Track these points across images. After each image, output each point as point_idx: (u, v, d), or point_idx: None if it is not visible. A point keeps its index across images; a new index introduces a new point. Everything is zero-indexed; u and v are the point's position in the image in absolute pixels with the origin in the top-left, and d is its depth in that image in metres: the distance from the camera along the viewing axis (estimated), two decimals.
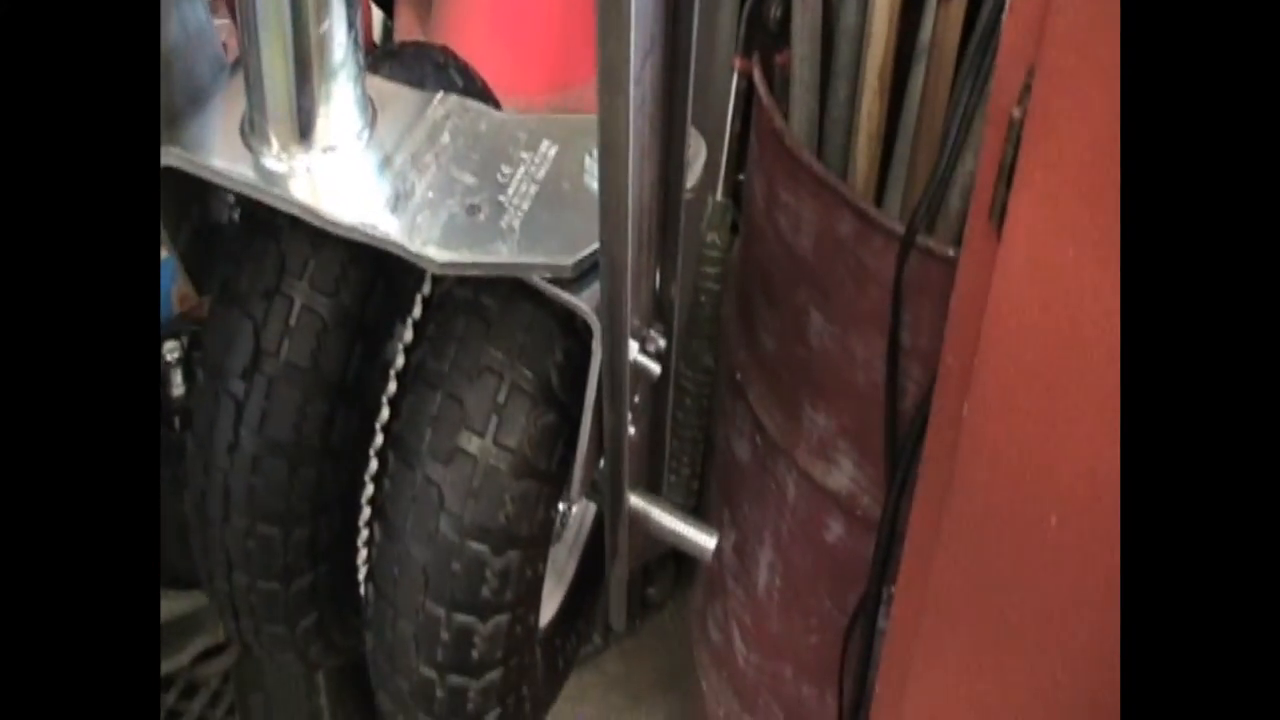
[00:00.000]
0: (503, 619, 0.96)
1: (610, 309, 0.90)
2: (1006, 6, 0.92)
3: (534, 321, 0.95)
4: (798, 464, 1.36)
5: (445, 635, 0.95)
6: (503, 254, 0.92)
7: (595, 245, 0.90)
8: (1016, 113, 0.91)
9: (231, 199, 1.01)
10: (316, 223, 0.92)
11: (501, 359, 0.94)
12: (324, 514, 0.99)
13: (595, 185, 0.89)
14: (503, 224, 0.93)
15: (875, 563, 1.25)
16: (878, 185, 1.40)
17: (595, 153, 0.88)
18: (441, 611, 0.94)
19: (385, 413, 0.99)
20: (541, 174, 0.97)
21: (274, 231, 0.95)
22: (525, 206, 0.95)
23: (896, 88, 1.38)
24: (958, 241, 1.26)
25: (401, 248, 0.92)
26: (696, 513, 1.57)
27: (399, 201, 0.93)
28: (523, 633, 0.99)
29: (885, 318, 1.22)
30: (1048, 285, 0.91)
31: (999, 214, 0.94)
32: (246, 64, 0.91)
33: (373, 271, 0.98)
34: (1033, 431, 0.95)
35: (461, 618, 0.95)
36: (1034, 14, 0.89)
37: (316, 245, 0.94)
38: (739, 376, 1.43)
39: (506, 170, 0.97)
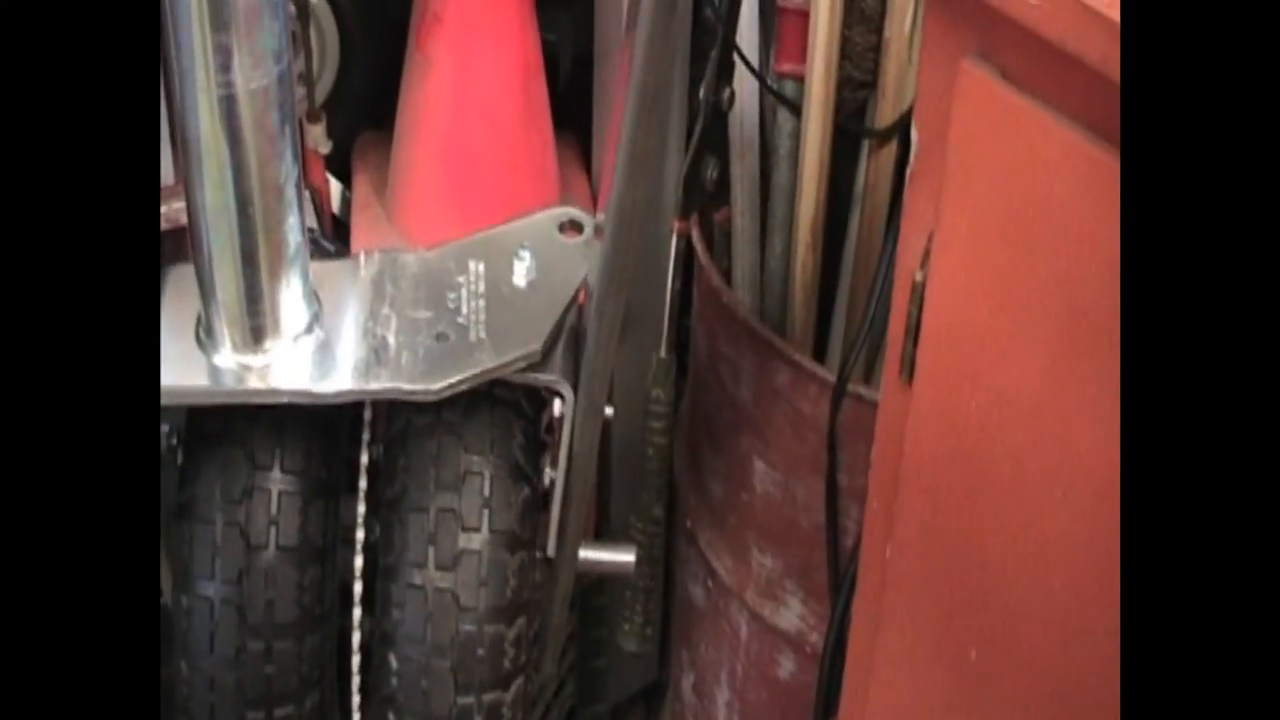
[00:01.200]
0: (522, 680, 1.08)
1: (590, 378, 1.05)
2: (909, 174, 1.00)
3: (493, 419, 1.08)
4: (748, 605, 1.42)
5: (478, 718, 1.06)
6: (484, 363, 1.05)
7: (550, 328, 1.06)
8: (918, 276, 0.99)
9: (167, 427, 1.09)
10: (313, 401, 1.02)
11: (478, 460, 1.07)
12: (324, 675, 1.08)
13: (524, 283, 1.09)
14: (472, 339, 1.06)
15: (818, 699, 1.31)
16: (820, 332, 1.48)
17: (519, 255, 1.09)
18: (472, 699, 1.06)
19: (359, 560, 1.08)
20: (481, 288, 1.09)
21: (233, 435, 1.03)
22: (482, 319, 1.07)
23: (834, 236, 1.46)
24: None
25: (402, 391, 1.03)
26: (658, 656, 1.65)
27: (380, 355, 1.04)
28: (533, 686, 1.12)
29: (823, 461, 1.30)
30: (955, 434, 0.99)
31: (909, 368, 1.01)
32: (201, 274, 0.99)
33: (323, 434, 1.07)
34: (950, 571, 1.02)
35: (490, 696, 1.06)
36: (932, 182, 0.97)
37: (279, 432, 1.03)
38: (689, 523, 1.50)
39: (452, 296, 1.09)
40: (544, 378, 1.05)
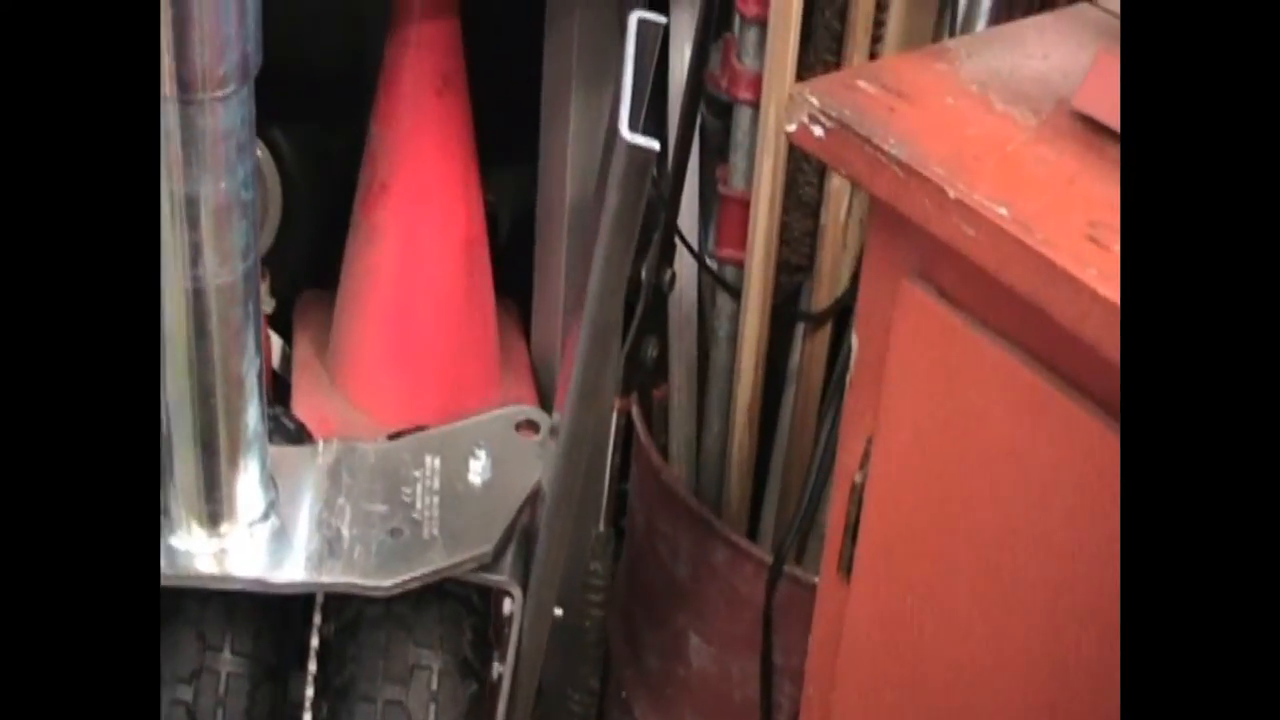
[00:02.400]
0: None
1: (540, 580, 1.08)
2: (848, 379, 1.05)
3: (443, 613, 1.11)
4: None
5: None
6: (436, 562, 1.08)
7: (502, 529, 1.08)
8: (858, 478, 1.04)
9: None
10: (266, 590, 1.05)
11: (427, 654, 1.10)
12: None
13: (480, 480, 1.11)
14: (425, 536, 1.09)
15: None
16: (753, 507, 1.51)
17: (475, 454, 1.12)
18: None
19: None
20: (436, 484, 1.12)
21: (184, 614, 1.06)
22: (435, 515, 1.11)
23: (767, 413, 1.50)
24: None
25: (355, 586, 1.06)
26: None
27: (334, 547, 1.08)
28: None
29: (758, 639, 1.33)
30: (892, 632, 1.03)
31: (847, 566, 1.05)
32: (160, 457, 1.02)
33: (274, 618, 1.10)
34: None
35: None
36: (872, 389, 1.02)
37: (231, 614, 1.06)
38: (625, 694, 1.52)
39: (407, 491, 1.12)
40: (494, 578, 1.08)
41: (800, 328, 1.49)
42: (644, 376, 1.50)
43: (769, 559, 1.31)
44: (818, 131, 0.95)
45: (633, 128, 0.84)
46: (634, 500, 1.52)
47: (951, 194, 0.88)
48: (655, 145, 0.85)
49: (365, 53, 1.76)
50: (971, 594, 0.98)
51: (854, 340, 1.04)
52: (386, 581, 1.05)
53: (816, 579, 1.29)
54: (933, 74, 0.99)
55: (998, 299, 0.90)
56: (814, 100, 0.95)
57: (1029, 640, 0.93)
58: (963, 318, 0.94)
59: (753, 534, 1.49)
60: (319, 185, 1.83)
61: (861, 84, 0.97)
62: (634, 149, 0.84)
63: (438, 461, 1.14)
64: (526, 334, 1.78)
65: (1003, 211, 0.86)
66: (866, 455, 1.03)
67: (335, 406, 1.67)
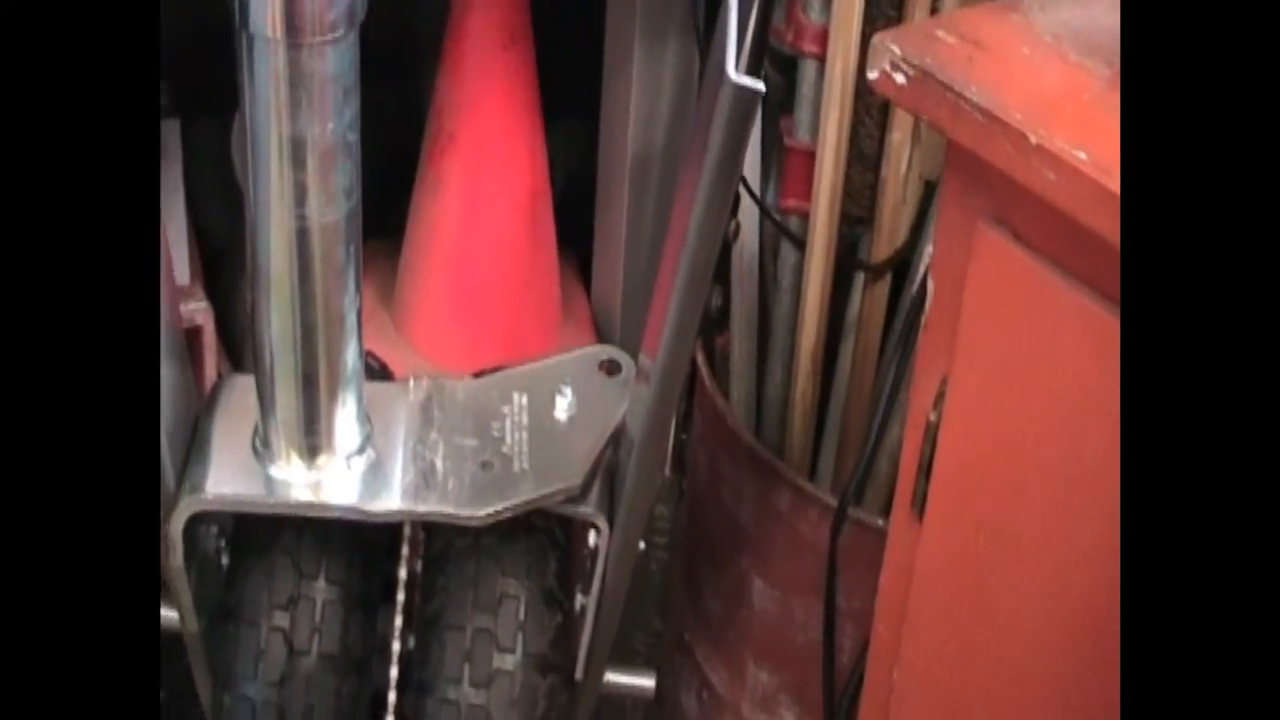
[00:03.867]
0: None
1: (628, 514, 1.12)
2: (923, 321, 1.09)
3: (530, 545, 1.16)
4: (742, 717, 1.50)
5: None
6: (527, 493, 1.12)
7: (589, 463, 1.12)
8: (933, 417, 1.08)
9: (215, 529, 1.16)
10: (363, 519, 1.10)
11: (514, 584, 1.15)
12: None
13: (566, 417, 1.16)
14: (515, 470, 1.13)
15: None
16: (812, 453, 1.56)
17: (561, 391, 1.16)
18: None
19: (394, 672, 1.15)
20: (525, 420, 1.17)
21: (280, 544, 1.11)
22: (525, 450, 1.15)
23: (826, 361, 1.54)
24: (887, 509, 1.41)
25: (449, 515, 1.10)
26: None
27: (428, 479, 1.12)
28: None
29: (822, 583, 1.37)
30: (964, 569, 1.07)
31: (920, 504, 1.10)
32: (262, 390, 1.07)
33: (363, 552, 1.15)
34: (956, 699, 1.10)
35: None
36: (946, 330, 1.06)
37: (325, 544, 1.11)
38: (686, 636, 1.57)
39: (496, 426, 1.16)
40: (583, 510, 1.13)
41: (860, 278, 1.52)
42: (708, 324, 1.54)
43: (833, 503, 1.35)
44: (899, 79, 0.99)
45: (737, 68, 0.88)
46: (696, 446, 1.56)
47: (1033, 139, 0.92)
48: (761, 86, 0.88)
49: (419, 8, 1.80)
50: (1042, 530, 1.02)
51: (929, 284, 1.08)
52: (480, 511, 1.10)
53: (879, 521, 1.35)
54: (1008, 25, 1.03)
55: (1073, 242, 0.94)
56: (895, 49, 0.99)
57: (1098, 576, 0.98)
58: (1038, 260, 0.98)
59: (810, 479, 1.52)
60: (380, 135, 1.87)
61: (940, 34, 1.01)
62: (740, 89, 0.87)
63: (525, 398, 1.19)
64: (586, 285, 1.82)
65: (1082, 156, 0.90)
66: (941, 395, 1.07)
67: (399, 354, 1.69)
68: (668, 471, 1.49)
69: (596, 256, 1.77)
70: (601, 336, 1.77)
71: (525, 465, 1.13)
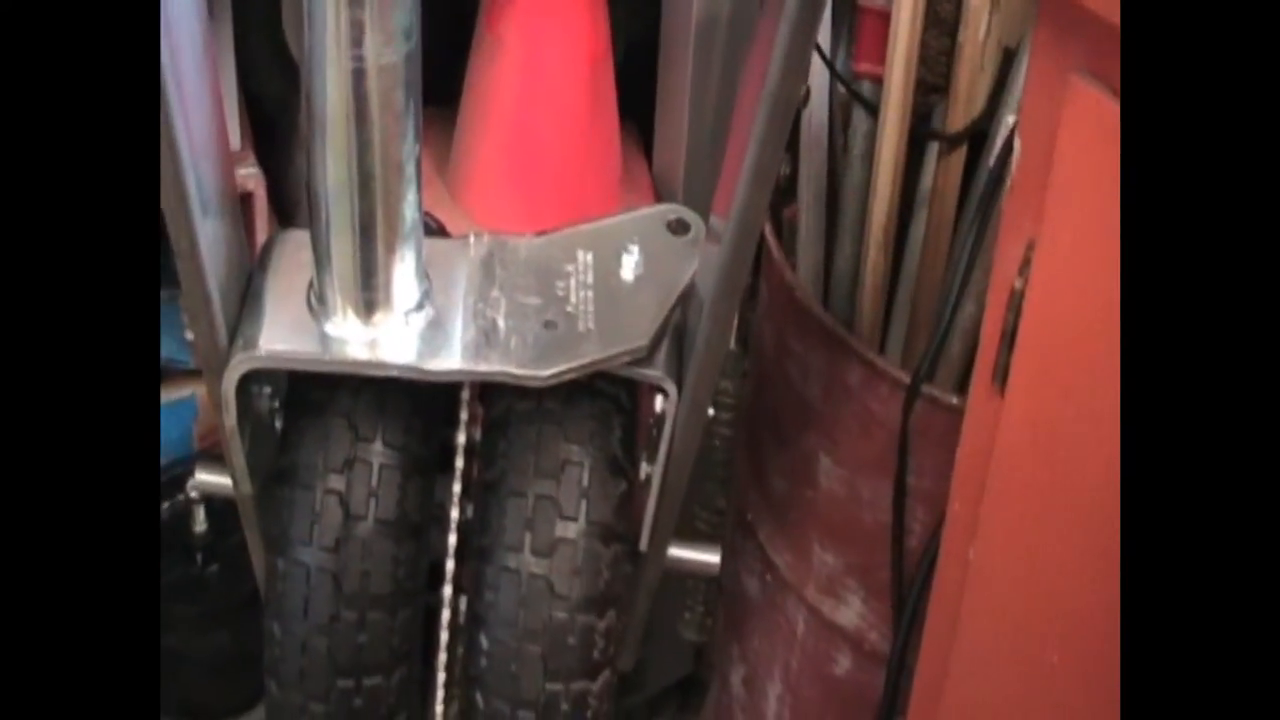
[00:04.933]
0: (608, 672, 1.13)
1: (697, 378, 1.09)
2: (1008, 182, 1.05)
3: (594, 410, 1.13)
4: (807, 600, 1.47)
5: (565, 706, 1.11)
6: (592, 354, 1.08)
7: (657, 324, 1.09)
8: (1018, 284, 1.04)
9: (269, 390, 1.14)
10: (423, 378, 1.07)
11: (578, 450, 1.12)
12: (412, 651, 1.12)
13: (633, 276, 1.12)
14: (580, 329, 1.09)
15: (885, 698, 1.36)
16: (882, 328, 1.52)
17: (628, 249, 1.12)
18: (560, 686, 1.10)
19: (452, 539, 1.13)
20: (590, 279, 1.13)
21: (336, 405, 1.09)
22: (590, 310, 1.11)
23: (897, 234, 1.50)
24: (960, 386, 1.39)
25: (511, 375, 1.07)
26: (707, 647, 1.70)
27: (489, 337, 1.09)
28: (617, 679, 1.15)
29: (891, 462, 1.34)
30: (1047, 442, 1.04)
31: (1001, 376, 1.06)
32: (318, 244, 1.04)
33: (422, 411, 1.12)
34: (1036, 575, 1.06)
35: (578, 685, 1.11)
36: (1034, 192, 1.02)
37: (382, 406, 1.08)
38: (749, 517, 1.55)
39: (560, 285, 1.13)
40: (650, 373, 1.09)
41: (934, 149, 1.48)
42: (776, 195, 1.51)
43: (904, 378, 1.32)
44: None
45: None
46: (762, 320, 1.52)
47: None
48: None
49: None
50: None
51: (1016, 140, 1.04)
52: (544, 371, 1.07)
53: (953, 399, 1.31)
54: None
55: None
56: None
57: None
58: None
59: (880, 354, 1.48)
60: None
61: None
62: None
63: (590, 256, 1.15)
64: (648, 157, 1.78)
65: None
66: (1027, 261, 1.03)
67: (455, 222, 1.65)
68: (733, 344, 1.46)
69: (659, 125, 1.74)
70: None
71: (590, 325, 1.10)
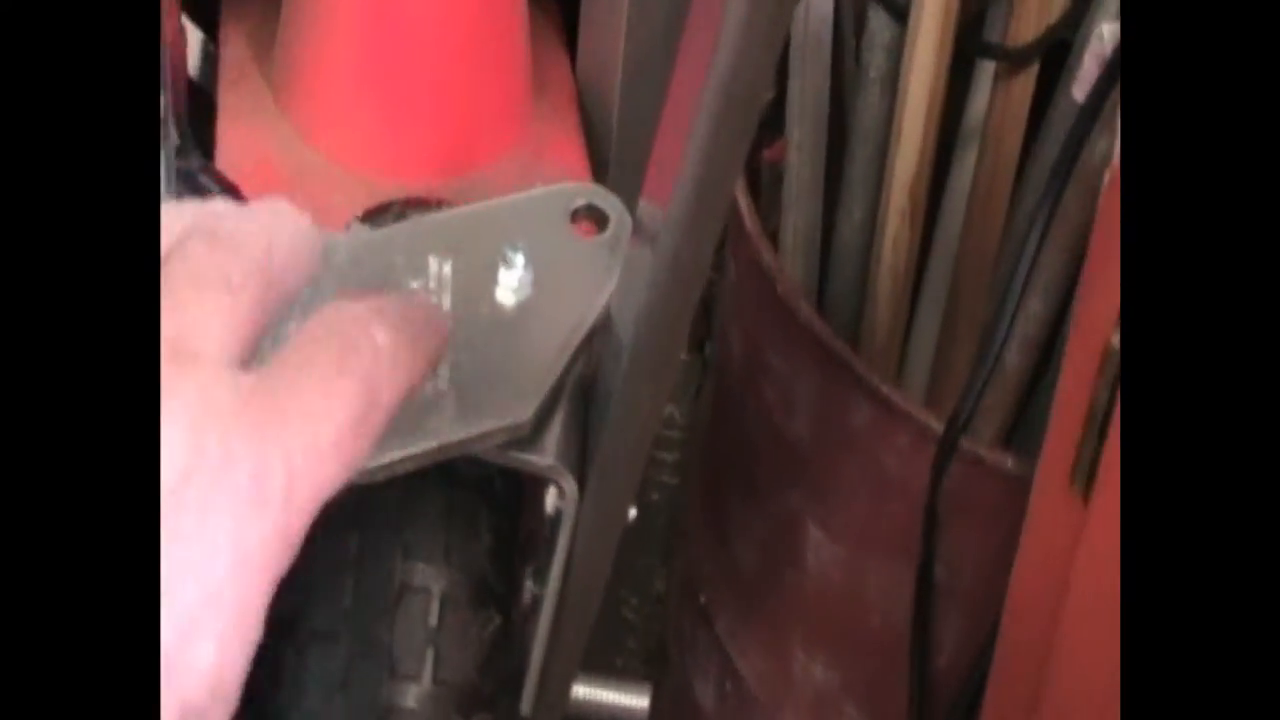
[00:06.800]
0: None
1: (612, 463, 1.00)
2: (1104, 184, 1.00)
3: (450, 507, 1.09)
4: None
5: None
6: (444, 432, 0.97)
7: (549, 380, 0.98)
8: (1115, 340, 0.98)
9: None
10: None
11: (425, 571, 1.07)
12: None
13: (513, 301, 1.01)
14: (427, 391, 0.99)
15: None
16: (902, 340, 1.50)
17: (508, 257, 1.00)
18: None
19: None
20: (445, 304, 1.03)
21: None
22: (445, 357, 1.01)
23: (930, 198, 1.48)
24: (1008, 438, 1.35)
25: None
26: None
27: None
28: None
29: (911, 542, 1.31)
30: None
31: (1085, 474, 1.01)
32: None
33: None
34: None
35: None
36: None
37: None
38: (704, 599, 1.53)
39: None
40: (536, 461, 0.99)
41: (987, 70, 1.46)
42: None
43: (936, 424, 1.27)
44: None
45: None
46: (727, 319, 1.49)
47: None
48: None
49: None
50: None
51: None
52: (370, 463, 1.00)
53: (1008, 462, 1.26)
54: None
55: None
56: None
57: None
58: None
59: (898, 378, 1.48)
60: None
61: None
62: None
63: (448, 268, 1.03)
64: (570, 47, 1.75)
65: None
66: None
67: (282, 141, 1.64)
68: (684, 353, 1.41)
69: (585, 6, 1.70)
70: (590, 125, 1.70)
71: (442, 385, 0.99)
